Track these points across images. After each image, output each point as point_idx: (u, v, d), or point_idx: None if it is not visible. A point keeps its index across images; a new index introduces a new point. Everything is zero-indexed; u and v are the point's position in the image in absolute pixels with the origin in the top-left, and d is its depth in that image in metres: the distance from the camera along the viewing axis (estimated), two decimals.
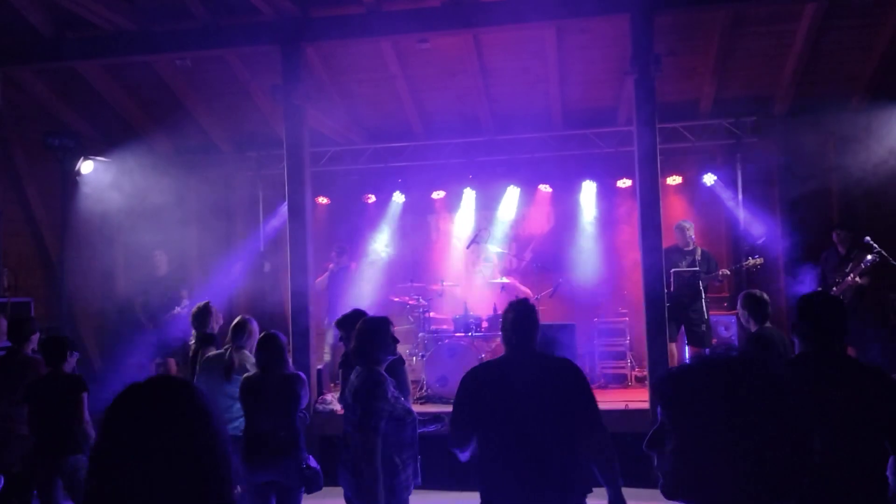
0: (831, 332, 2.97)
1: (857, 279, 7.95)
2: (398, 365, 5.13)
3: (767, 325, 5.24)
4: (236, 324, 5.64)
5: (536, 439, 3.22)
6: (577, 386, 3.37)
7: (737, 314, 8.73)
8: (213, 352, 5.73)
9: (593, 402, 3.38)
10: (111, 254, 10.64)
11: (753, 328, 5.25)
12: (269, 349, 4.81)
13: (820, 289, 8.36)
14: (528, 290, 9.08)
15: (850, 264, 8.20)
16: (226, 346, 5.59)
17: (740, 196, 9.31)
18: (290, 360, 5.48)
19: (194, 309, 5.85)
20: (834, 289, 8.19)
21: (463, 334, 8.49)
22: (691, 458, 1.33)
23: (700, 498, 1.34)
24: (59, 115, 9.92)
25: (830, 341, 2.95)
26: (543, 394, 3.29)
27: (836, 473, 2.69)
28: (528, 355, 3.45)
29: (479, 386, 3.46)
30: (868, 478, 2.73)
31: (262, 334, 5.03)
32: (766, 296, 5.30)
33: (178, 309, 9.42)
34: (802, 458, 1.30)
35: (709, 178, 9.54)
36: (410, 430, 4.02)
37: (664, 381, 1.40)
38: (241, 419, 5.00)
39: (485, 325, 8.64)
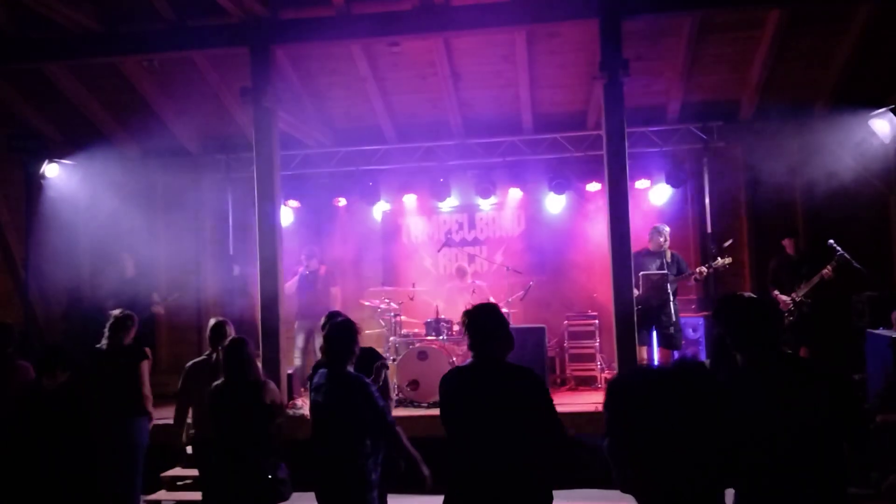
0: (766, 335, 2.93)
1: (829, 272, 8.07)
2: (382, 369, 5.16)
3: None
4: (214, 327, 5.63)
5: (494, 448, 3.20)
6: (535, 397, 3.31)
7: (705, 316, 8.93)
8: (196, 359, 5.70)
9: (554, 413, 3.33)
10: (76, 257, 10.49)
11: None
12: (235, 356, 4.78)
13: (777, 293, 8.52)
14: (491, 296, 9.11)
15: (806, 267, 8.35)
16: (208, 351, 5.58)
17: (707, 199, 9.44)
18: (259, 366, 5.47)
19: (214, 322, 5.75)
20: (795, 291, 8.34)
21: (434, 338, 8.49)
22: (630, 457, 1.46)
23: (642, 494, 1.45)
24: (24, 117, 9.76)
25: (770, 344, 2.92)
26: (501, 404, 3.26)
27: (795, 474, 2.73)
28: (489, 363, 3.40)
29: (447, 392, 3.47)
30: (827, 478, 2.75)
31: (227, 342, 5.01)
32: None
33: (155, 307, 9.32)
34: (730, 459, 1.46)
35: (676, 183, 9.64)
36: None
37: (607, 390, 1.54)
38: None
39: (456, 328, 8.64)
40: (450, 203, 10.50)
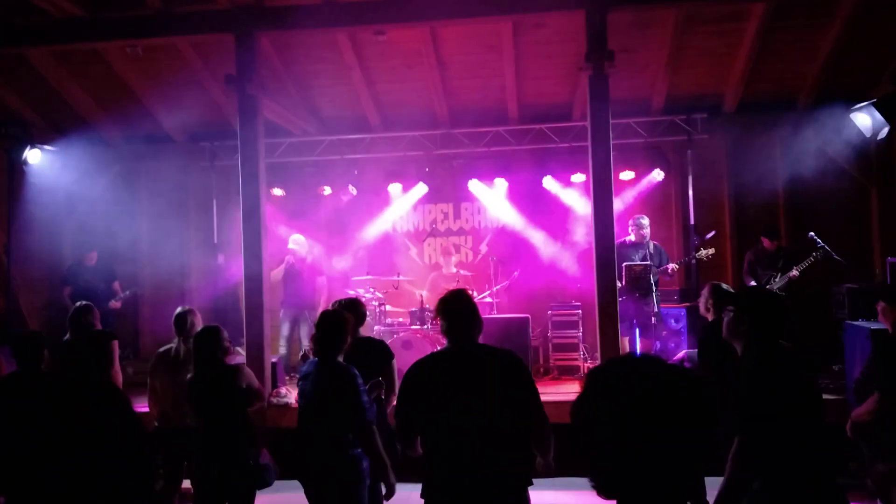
0: (773, 327, 3.04)
1: (796, 274, 8.19)
2: (388, 360, 5.16)
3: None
4: (178, 316, 5.59)
5: (476, 432, 3.20)
6: (518, 378, 3.34)
7: (687, 306, 9.01)
8: (161, 348, 5.70)
9: (535, 394, 3.36)
10: (59, 244, 10.43)
11: (711, 318, 5.41)
12: (205, 344, 4.77)
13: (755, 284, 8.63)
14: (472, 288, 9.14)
15: (783, 261, 8.44)
16: (173, 341, 5.57)
17: (691, 191, 9.50)
18: (238, 352, 5.49)
19: (178, 311, 5.73)
20: (770, 283, 8.43)
21: (419, 327, 8.52)
22: (607, 449, 1.47)
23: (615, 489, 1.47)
24: (6, 102, 9.68)
25: (772, 336, 3.02)
26: (484, 387, 3.27)
27: (791, 465, 2.79)
28: (469, 347, 3.41)
29: (422, 379, 3.42)
30: (821, 471, 2.82)
31: (196, 331, 5.01)
32: (731, 290, 5.48)
33: (113, 302, 9.30)
34: (701, 450, 1.43)
35: (659, 174, 9.71)
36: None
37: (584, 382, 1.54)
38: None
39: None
40: (435, 192, 10.50)
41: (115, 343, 6.09)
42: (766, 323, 3.08)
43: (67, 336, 6.10)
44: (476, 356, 3.38)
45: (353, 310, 5.50)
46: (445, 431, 3.26)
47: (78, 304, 6.22)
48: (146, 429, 5.34)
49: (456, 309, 3.44)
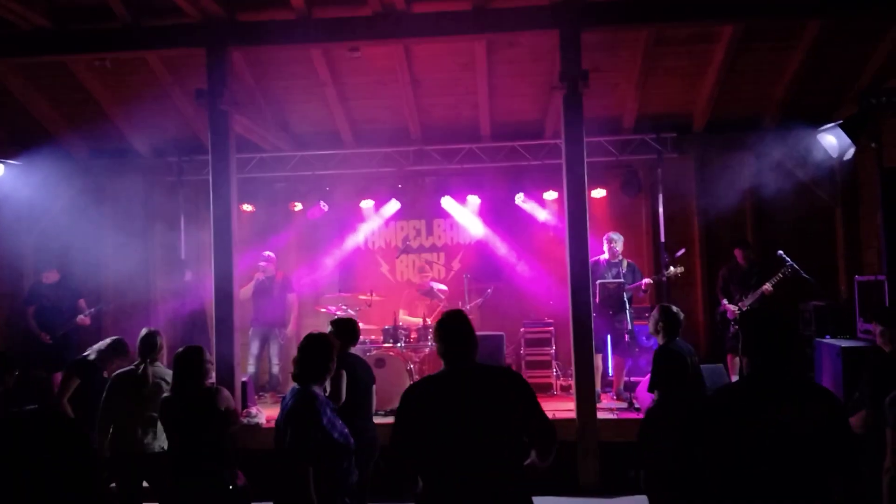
0: (777, 350, 2.94)
1: (769, 288, 8.29)
2: (370, 383, 5.08)
3: (677, 339, 5.54)
4: (144, 337, 5.39)
5: (478, 456, 3.13)
6: (522, 394, 3.26)
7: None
8: (121, 369, 5.50)
9: (539, 406, 3.29)
10: (21, 260, 10.17)
11: (662, 341, 5.49)
12: (186, 364, 4.65)
13: (726, 301, 8.72)
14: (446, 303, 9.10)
15: (756, 277, 8.55)
16: (137, 363, 5.37)
17: (661, 209, 9.59)
18: (212, 374, 5.34)
19: (144, 333, 5.53)
20: (742, 300, 8.53)
21: (392, 345, 8.44)
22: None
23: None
24: None
25: (775, 361, 2.93)
26: (486, 408, 3.19)
27: (787, 493, 2.77)
28: (468, 369, 3.34)
29: (421, 403, 3.30)
30: (818, 497, 2.79)
31: (178, 350, 4.81)
32: (681, 314, 5.55)
33: (81, 317, 9.11)
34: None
35: (630, 192, 9.79)
36: (346, 462, 3.74)
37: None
38: (164, 436, 4.84)
39: (413, 335, 8.61)
40: (408, 209, 10.47)
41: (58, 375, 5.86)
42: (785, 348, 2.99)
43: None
44: (476, 377, 3.31)
45: (347, 330, 5.44)
46: (445, 456, 3.17)
47: None
48: (97, 457, 5.20)
49: (452, 330, 3.38)
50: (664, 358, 5.39)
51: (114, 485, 5.30)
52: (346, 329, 5.45)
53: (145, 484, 5.30)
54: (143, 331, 5.47)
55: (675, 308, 5.60)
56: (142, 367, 5.28)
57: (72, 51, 7.90)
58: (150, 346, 5.35)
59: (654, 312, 5.64)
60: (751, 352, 2.98)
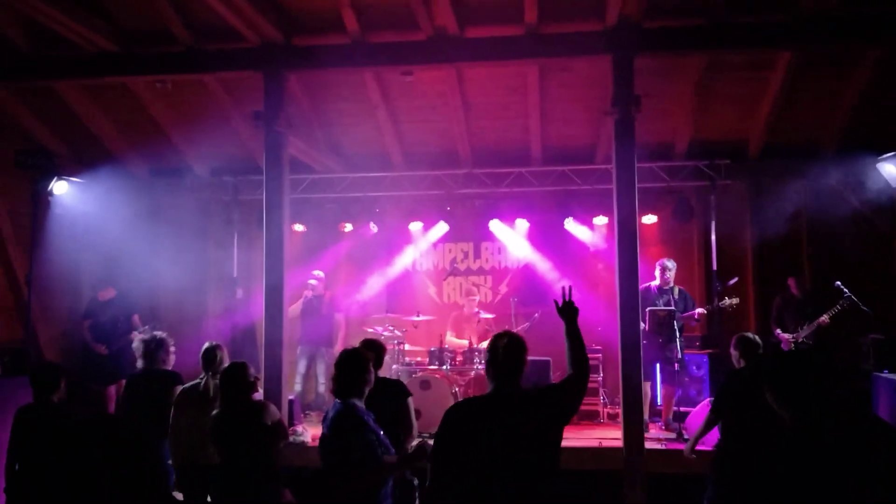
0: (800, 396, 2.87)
1: (826, 320, 8.08)
2: (404, 398, 5.10)
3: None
4: (206, 351, 5.55)
5: (528, 476, 3.13)
6: (555, 402, 3.44)
7: (710, 353, 8.89)
8: (187, 384, 5.63)
9: (568, 384, 3.54)
10: (80, 276, 10.46)
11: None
12: (232, 380, 4.71)
13: (780, 331, 8.52)
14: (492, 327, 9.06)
15: (811, 308, 8.33)
16: (200, 377, 5.51)
17: (714, 237, 9.42)
18: (259, 389, 5.41)
19: (206, 346, 5.70)
20: (798, 331, 8.31)
21: (437, 367, 8.44)
22: None
23: None
24: (34, 133, 9.80)
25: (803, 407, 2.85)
26: (527, 432, 3.21)
27: None
28: (516, 393, 3.35)
29: (461, 425, 3.33)
30: None
31: (224, 367, 4.93)
32: (757, 338, 5.54)
33: (134, 334, 9.28)
34: None
35: (682, 219, 9.65)
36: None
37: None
38: None
39: (459, 358, 8.60)
40: (456, 232, 10.49)
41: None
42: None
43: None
44: (525, 401, 3.35)
45: (373, 350, 5.45)
46: (482, 478, 3.17)
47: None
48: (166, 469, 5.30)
49: (509, 354, 3.39)
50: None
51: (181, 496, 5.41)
52: (369, 349, 5.46)
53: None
54: (206, 344, 5.64)
55: (750, 335, 5.74)
56: (204, 380, 5.41)
57: (134, 72, 8.17)
58: (211, 359, 5.48)
59: (731, 345, 5.77)
60: (785, 408, 2.89)
